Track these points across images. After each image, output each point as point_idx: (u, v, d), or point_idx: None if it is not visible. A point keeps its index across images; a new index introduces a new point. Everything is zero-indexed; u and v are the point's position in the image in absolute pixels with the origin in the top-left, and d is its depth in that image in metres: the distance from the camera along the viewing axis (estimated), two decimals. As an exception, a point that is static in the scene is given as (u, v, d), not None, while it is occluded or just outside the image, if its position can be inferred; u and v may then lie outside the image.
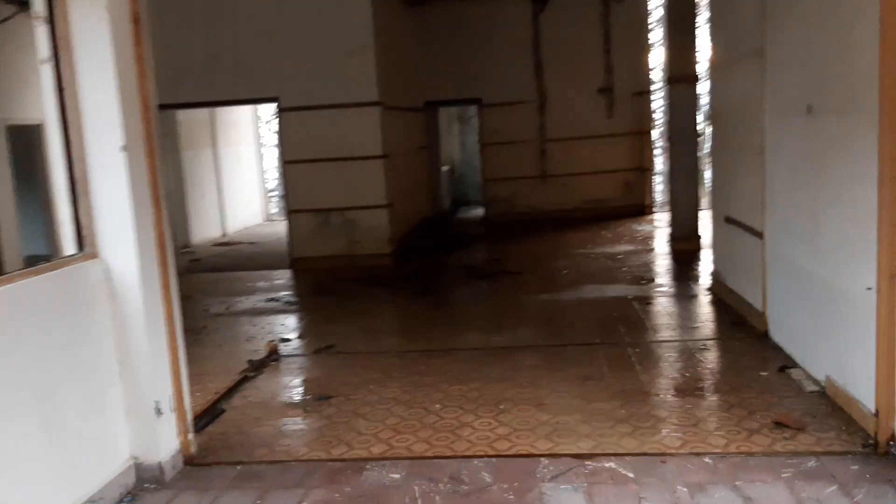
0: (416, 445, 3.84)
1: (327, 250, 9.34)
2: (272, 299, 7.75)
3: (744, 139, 5.70)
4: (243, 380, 5.07)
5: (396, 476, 3.50)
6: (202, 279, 9.20)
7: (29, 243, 9.72)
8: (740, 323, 5.72)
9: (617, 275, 7.96)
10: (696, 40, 8.69)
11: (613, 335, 5.67)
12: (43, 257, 7.05)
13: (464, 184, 16.35)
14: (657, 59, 12.79)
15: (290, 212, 9.53)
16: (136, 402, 3.55)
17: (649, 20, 12.62)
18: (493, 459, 3.62)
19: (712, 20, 6.82)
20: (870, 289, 3.46)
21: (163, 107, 9.17)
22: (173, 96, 9.10)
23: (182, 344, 3.84)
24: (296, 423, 4.32)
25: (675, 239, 9.13)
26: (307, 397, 4.76)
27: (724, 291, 6.46)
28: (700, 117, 9.32)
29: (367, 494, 3.34)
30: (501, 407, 4.30)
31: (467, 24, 12.53)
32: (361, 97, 9.07)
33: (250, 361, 5.38)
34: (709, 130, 7.41)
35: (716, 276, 6.79)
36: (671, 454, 3.57)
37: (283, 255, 9.73)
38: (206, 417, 4.33)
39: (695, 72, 8.76)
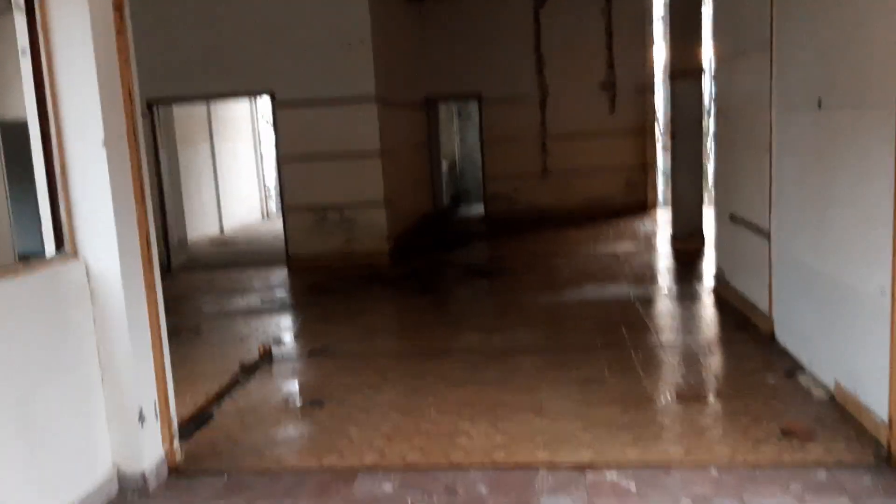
0: (411, 454, 3.69)
1: (324, 248, 9.19)
2: (267, 298, 7.62)
3: (749, 134, 5.54)
4: (234, 383, 4.92)
5: (389, 488, 3.35)
6: (197, 277, 9.07)
7: (25, 241, 9.59)
8: (745, 325, 5.56)
9: (619, 274, 7.81)
10: (700, 34, 8.52)
11: (615, 336, 5.53)
12: (37, 255, 6.92)
13: (464, 180, 16.19)
14: (660, 53, 12.61)
15: (287, 209, 9.38)
16: (118, 408, 3.42)
17: (652, 14, 12.43)
18: (490, 470, 3.48)
19: (716, 12, 6.64)
20: (883, 291, 3.32)
21: (159, 102, 9.17)
22: (169, 90, 8.99)
23: (167, 347, 3.69)
24: (287, 430, 4.17)
25: (677, 237, 8.98)
26: (299, 402, 4.63)
27: (728, 292, 6.30)
28: (704, 112, 9.15)
29: (357, 506, 3.21)
30: (499, 412, 4.15)
31: (467, 18, 12.38)
32: (359, 92, 8.91)
33: (242, 364, 5.24)
34: (713, 126, 7.25)
35: (719, 275, 6.63)
36: (675, 465, 3.42)
37: (281, 253, 9.60)
38: (193, 423, 4.18)
39: (699, 66, 8.59)
